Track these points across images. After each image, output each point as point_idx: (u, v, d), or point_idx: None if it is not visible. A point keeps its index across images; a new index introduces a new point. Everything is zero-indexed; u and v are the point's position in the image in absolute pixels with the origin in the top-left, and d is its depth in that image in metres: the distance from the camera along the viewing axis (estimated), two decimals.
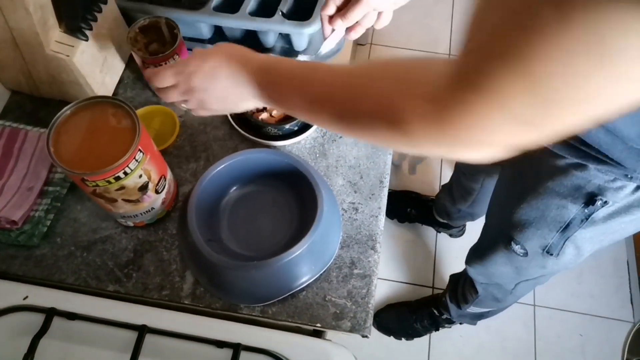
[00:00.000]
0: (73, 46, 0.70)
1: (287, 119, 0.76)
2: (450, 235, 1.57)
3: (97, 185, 0.54)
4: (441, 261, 1.58)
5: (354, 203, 0.73)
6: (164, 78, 0.58)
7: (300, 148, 0.77)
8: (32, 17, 0.63)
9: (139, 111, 0.78)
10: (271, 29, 0.82)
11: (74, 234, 0.70)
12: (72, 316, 0.63)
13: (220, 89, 0.56)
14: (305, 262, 0.64)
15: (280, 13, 0.80)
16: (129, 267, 0.68)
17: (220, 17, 0.82)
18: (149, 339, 0.62)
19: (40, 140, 0.73)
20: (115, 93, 0.81)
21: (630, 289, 1.56)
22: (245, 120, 0.75)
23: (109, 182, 0.54)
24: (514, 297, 1.04)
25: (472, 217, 1.42)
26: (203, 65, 0.56)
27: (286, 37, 0.89)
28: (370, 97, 0.43)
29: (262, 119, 0.75)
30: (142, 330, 0.62)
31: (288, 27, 0.81)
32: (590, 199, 0.64)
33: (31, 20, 0.64)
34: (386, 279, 1.55)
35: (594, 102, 0.29)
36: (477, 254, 0.96)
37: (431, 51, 1.98)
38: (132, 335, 0.62)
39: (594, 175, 0.62)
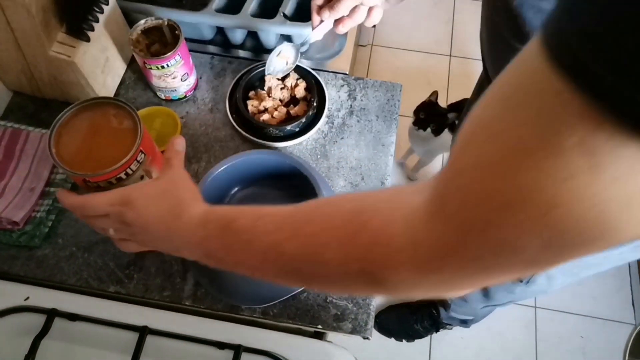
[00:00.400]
0: (75, 47, 0.70)
1: (288, 120, 0.76)
2: None
3: (98, 186, 0.54)
4: None
5: None
6: (96, 207, 0.49)
7: (302, 149, 0.77)
8: (34, 18, 0.64)
9: (141, 112, 0.78)
10: (273, 30, 0.83)
11: (76, 234, 0.70)
12: (73, 317, 0.63)
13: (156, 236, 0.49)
14: None
15: (281, 14, 0.81)
16: (130, 268, 0.68)
17: (222, 18, 0.82)
18: (150, 340, 0.62)
19: (42, 141, 0.73)
20: (116, 94, 0.81)
21: (631, 290, 1.56)
22: (247, 121, 0.76)
23: (111, 183, 0.54)
24: (482, 316, 1.04)
25: None
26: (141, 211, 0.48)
27: (287, 38, 0.89)
28: (336, 257, 0.35)
29: (263, 120, 0.75)
30: (143, 332, 0.62)
31: (289, 28, 0.81)
32: None
33: (33, 21, 0.64)
34: None
35: (617, 238, 0.24)
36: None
37: (432, 52, 1.98)
38: (133, 337, 0.62)
39: None
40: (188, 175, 0.51)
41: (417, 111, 1.40)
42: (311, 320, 0.65)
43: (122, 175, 0.54)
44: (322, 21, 0.69)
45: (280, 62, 0.76)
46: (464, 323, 1.31)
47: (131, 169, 0.54)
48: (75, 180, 0.54)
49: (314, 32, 0.71)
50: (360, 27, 1.18)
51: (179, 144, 0.54)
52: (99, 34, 0.74)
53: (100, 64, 0.76)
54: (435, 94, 1.40)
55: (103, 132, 0.56)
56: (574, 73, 0.21)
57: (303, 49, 0.77)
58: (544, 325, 1.51)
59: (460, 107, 1.37)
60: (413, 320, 1.44)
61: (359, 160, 0.77)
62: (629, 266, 1.59)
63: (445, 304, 1.16)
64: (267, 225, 0.40)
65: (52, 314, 0.63)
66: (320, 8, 0.68)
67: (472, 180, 0.26)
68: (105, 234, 0.52)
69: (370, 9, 0.68)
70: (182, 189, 0.50)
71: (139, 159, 0.55)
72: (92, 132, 0.56)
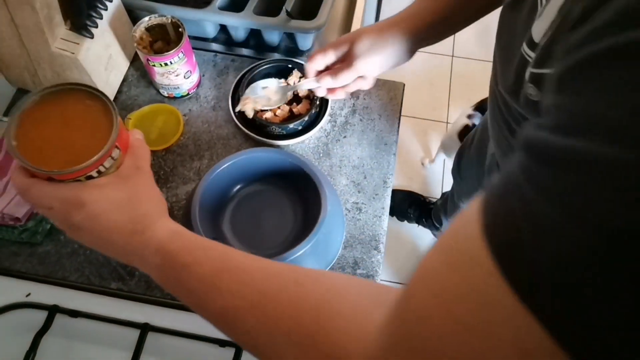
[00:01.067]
0: (78, 44, 0.70)
1: (291, 118, 0.76)
2: None
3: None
4: None
5: (357, 203, 0.73)
6: (41, 198, 0.44)
7: (304, 147, 0.77)
8: (38, 14, 0.64)
9: (143, 109, 0.78)
10: (276, 28, 0.82)
11: None
12: (74, 314, 0.63)
13: (104, 239, 0.45)
14: (308, 262, 0.64)
15: (285, 12, 0.81)
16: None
17: (225, 15, 0.82)
18: (151, 337, 0.62)
19: None
20: (119, 91, 0.81)
21: None
22: (250, 119, 0.75)
23: (80, 182, 0.45)
24: None
25: None
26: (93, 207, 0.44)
27: (291, 37, 0.89)
28: (292, 350, 0.35)
29: (266, 118, 0.75)
30: (145, 329, 0.62)
31: (293, 27, 0.81)
32: None
33: (37, 17, 0.64)
34: (386, 280, 1.55)
35: None
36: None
37: (434, 52, 1.98)
38: (135, 334, 0.62)
39: None
40: (153, 179, 0.48)
41: (462, 135, 1.35)
42: None
43: (94, 173, 0.45)
44: (318, 73, 0.68)
45: (262, 95, 0.74)
46: None
47: (104, 167, 0.46)
48: (39, 177, 0.45)
49: (305, 84, 0.70)
50: (362, 26, 1.18)
51: (140, 135, 0.49)
52: (103, 30, 0.74)
53: (104, 60, 0.76)
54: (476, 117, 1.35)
55: (73, 123, 0.47)
56: (505, 266, 0.23)
57: (288, 94, 0.75)
58: None
59: (484, 109, 1.35)
60: None
61: (362, 159, 0.77)
62: None
63: None
64: (230, 285, 0.38)
65: (53, 311, 0.63)
66: (320, 72, 0.67)
67: (415, 334, 0.27)
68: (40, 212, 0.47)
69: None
70: (147, 201, 0.45)
71: (113, 155, 0.46)
72: (60, 123, 0.47)
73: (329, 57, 0.65)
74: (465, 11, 0.62)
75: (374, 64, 0.63)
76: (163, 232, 0.43)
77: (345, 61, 0.65)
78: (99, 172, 0.46)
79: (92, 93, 0.47)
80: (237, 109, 0.73)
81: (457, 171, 1.13)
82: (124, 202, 0.44)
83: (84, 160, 0.44)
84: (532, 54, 0.37)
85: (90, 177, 0.46)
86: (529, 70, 0.37)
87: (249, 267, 0.39)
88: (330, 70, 0.66)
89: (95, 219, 0.43)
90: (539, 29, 0.36)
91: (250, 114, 0.72)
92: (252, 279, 0.38)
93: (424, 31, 0.63)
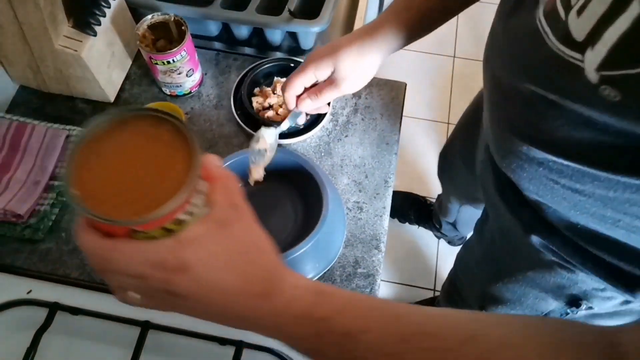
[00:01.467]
0: (81, 41, 0.70)
1: None
2: (449, 243, 1.56)
3: (148, 238, 0.33)
4: (443, 263, 1.58)
5: (358, 202, 0.73)
6: (128, 266, 0.32)
7: (306, 146, 0.77)
8: (41, 11, 0.64)
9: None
10: (278, 26, 0.82)
11: None
12: (75, 311, 0.63)
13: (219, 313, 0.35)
14: (309, 261, 0.64)
15: (287, 11, 0.81)
16: None
17: (228, 14, 0.82)
18: (151, 335, 0.62)
19: (46, 135, 0.73)
20: (121, 89, 0.81)
21: None
22: (252, 118, 0.75)
23: (168, 230, 0.33)
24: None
25: (460, 234, 1.42)
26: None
27: (293, 36, 0.89)
28: None
29: (268, 116, 0.75)
30: (145, 326, 0.62)
31: (295, 26, 0.81)
32: (574, 302, 0.58)
33: (41, 15, 0.64)
34: (387, 281, 1.55)
35: None
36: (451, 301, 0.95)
37: (436, 53, 1.98)
38: (135, 331, 0.62)
39: (582, 280, 0.55)
40: (255, 218, 0.37)
41: None
42: None
43: (183, 216, 0.33)
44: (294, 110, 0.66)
45: (260, 149, 0.67)
46: None
47: (194, 205, 0.34)
48: (116, 233, 0.33)
49: (284, 125, 0.68)
50: None
51: (219, 161, 0.38)
52: (106, 28, 0.74)
53: (107, 58, 0.76)
54: None
55: (143, 156, 0.36)
56: None
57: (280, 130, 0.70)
58: None
59: None
60: None
61: (363, 158, 0.77)
62: None
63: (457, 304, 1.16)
64: (417, 354, 0.33)
65: (54, 308, 0.63)
66: (299, 97, 0.64)
67: None
68: (116, 293, 0.36)
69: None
70: (260, 252, 0.36)
71: (200, 188, 0.35)
72: (128, 159, 0.36)
73: (309, 79, 0.62)
74: (442, 10, 0.61)
75: (359, 82, 0.63)
76: (300, 293, 0.35)
77: (327, 81, 0.63)
78: (190, 213, 0.34)
79: (159, 117, 0.36)
80: (252, 181, 0.67)
81: (442, 176, 1.13)
82: (235, 257, 0.34)
83: (167, 199, 0.32)
84: (579, 55, 0.36)
85: (180, 222, 0.34)
86: (597, 73, 0.34)
87: (438, 329, 0.34)
88: (309, 91, 0.64)
89: (203, 284, 0.33)
90: (581, 27, 0.35)
91: (261, 176, 0.67)
92: (440, 343, 0.33)
93: (403, 35, 0.62)
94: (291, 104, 0.65)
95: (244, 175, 0.71)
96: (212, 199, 0.35)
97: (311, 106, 0.64)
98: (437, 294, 1.52)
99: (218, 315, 0.35)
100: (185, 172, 0.33)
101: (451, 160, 0.98)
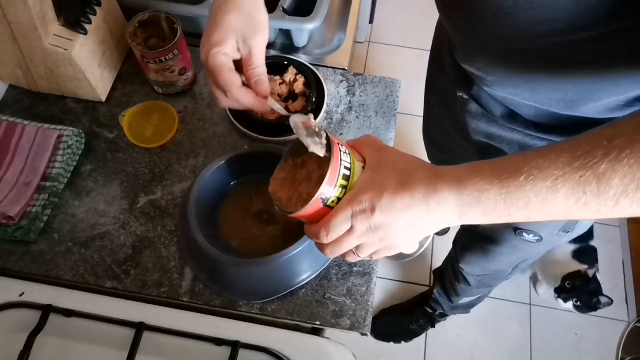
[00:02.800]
0: (72, 40, 0.69)
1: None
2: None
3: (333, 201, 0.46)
4: (438, 262, 1.58)
5: None
6: (337, 225, 0.44)
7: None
8: (30, 10, 0.63)
9: (138, 106, 0.77)
10: (272, 24, 0.82)
11: (72, 229, 0.69)
12: (68, 313, 0.63)
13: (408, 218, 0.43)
14: (306, 259, 0.64)
15: (281, 8, 0.80)
16: (127, 263, 0.67)
17: None
18: (146, 336, 0.62)
19: (37, 135, 0.72)
20: (113, 87, 0.81)
21: (625, 288, 1.57)
22: (245, 116, 0.75)
23: (341, 187, 0.45)
24: (507, 279, 1.04)
25: None
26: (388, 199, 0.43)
27: (286, 33, 0.89)
28: None
29: (261, 114, 0.75)
30: (140, 328, 0.62)
31: (289, 23, 0.81)
32: None
33: (30, 13, 0.63)
34: (382, 277, 1.55)
35: None
36: (475, 250, 0.95)
37: (429, 49, 1.97)
38: (130, 333, 0.61)
39: None
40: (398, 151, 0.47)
41: (564, 278, 1.27)
42: (309, 316, 0.65)
43: (342, 181, 0.45)
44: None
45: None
46: (471, 306, 1.30)
47: (345, 167, 0.46)
48: (320, 214, 0.46)
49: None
50: (358, 23, 1.18)
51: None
52: (96, 26, 0.73)
53: (98, 57, 0.75)
54: (594, 268, 1.25)
55: (306, 163, 0.49)
56: None
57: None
58: (538, 322, 1.52)
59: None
60: (408, 320, 1.44)
61: None
62: (623, 264, 1.60)
63: (457, 290, 1.16)
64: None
65: (47, 310, 0.62)
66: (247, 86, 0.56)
67: None
68: (351, 259, 0.47)
69: None
70: (414, 160, 0.45)
71: (342, 149, 0.46)
72: (299, 169, 0.50)
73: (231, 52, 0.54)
74: None
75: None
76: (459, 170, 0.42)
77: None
78: (346, 177, 0.45)
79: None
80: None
81: (430, 148, 1.07)
82: (395, 171, 0.44)
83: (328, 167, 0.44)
84: None
85: (347, 179, 0.46)
86: None
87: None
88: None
89: (385, 199, 0.42)
90: None
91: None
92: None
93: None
94: (249, 102, 0.56)
95: (239, 172, 0.71)
96: (363, 155, 0.47)
97: (264, 82, 0.56)
98: None
99: (412, 219, 0.43)
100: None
101: (434, 123, 0.95)
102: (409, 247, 0.49)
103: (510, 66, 0.50)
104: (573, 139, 0.38)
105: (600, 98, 0.48)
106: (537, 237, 0.75)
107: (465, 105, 0.65)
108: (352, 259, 0.48)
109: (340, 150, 0.46)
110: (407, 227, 0.44)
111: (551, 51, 0.45)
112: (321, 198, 0.45)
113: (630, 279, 1.57)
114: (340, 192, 0.46)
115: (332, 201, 0.46)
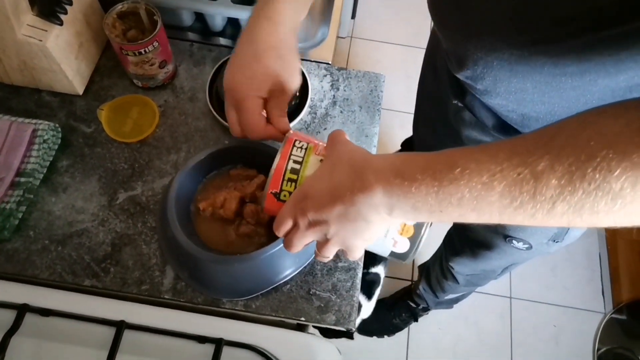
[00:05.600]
0: (47, 31, 0.66)
1: None
2: None
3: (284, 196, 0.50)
4: (422, 258, 1.59)
5: None
6: (282, 221, 0.47)
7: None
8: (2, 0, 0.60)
9: (117, 100, 0.75)
10: None
11: (48, 227, 0.67)
12: (45, 312, 0.61)
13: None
14: (288, 255, 0.63)
15: None
16: (107, 261, 0.66)
17: (202, 3, 0.80)
18: (127, 335, 0.60)
19: (10, 129, 0.69)
20: (91, 80, 0.78)
21: (601, 280, 1.61)
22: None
23: (290, 180, 0.49)
24: (496, 279, 1.05)
25: None
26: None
27: None
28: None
29: None
30: (121, 326, 0.60)
31: None
32: None
33: (2, 3, 0.61)
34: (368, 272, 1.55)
35: None
36: (466, 252, 0.95)
37: (411, 45, 1.98)
38: (110, 332, 0.60)
39: None
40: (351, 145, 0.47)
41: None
42: (294, 312, 0.64)
43: (290, 174, 0.49)
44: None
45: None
46: (456, 302, 1.32)
47: (296, 155, 0.49)
48: (276, 209, 0.49)
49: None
50: (340, 18, 1.17)
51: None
52: (73, 17, 0.70)
53: (74, 49, 0.73)
54: None
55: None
56: None
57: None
58: (518, 315, 1.54)
59: None
60: (391, 315, 1.45)
61: None
62: (599, 257, 1.64)
63: (444, 287, 1.17)
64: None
65: (23, 310, 0.60)
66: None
67: None
68: (323, 255, 0.48)
69: None
70: (354, 150, 0.45)
71: (298, 145, 0.50)
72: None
73: (258, 105, 0.56)
74: None
75: (295, 66, 0.57)
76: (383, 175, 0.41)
77: (272, 92, 0.57)
78: (294, 171, 0.49)
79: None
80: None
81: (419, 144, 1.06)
82: (331, 166, 0.45)
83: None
84: None
85: (296, 173, 0.49)
86: None
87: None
88: (272, 113, 0.58)
89: (317, 197, 0.43)
90: None
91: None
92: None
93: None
94: (271, 136, 0.57)
95: (221, 168, 0.70)
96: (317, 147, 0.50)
97: (286, 121, 0.58)
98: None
99: (343, 214, 0.42)
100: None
101: (423, 119, 0.95)
102: (386, 245, 0.49)
103: (497, 76, 0.50)
104: (518, 136, 0.37)
105: None
106: (526, 245, 0.76)
107: (460, 113, 0.65)
108: (320, 259, 0.48)
109: (293, 146, 0.49)
110: (345, 221, 0.42)
111: (535, 61, 0.45)
112: (271, 193, 0.49)
113: (607, 272, 1.61)
114: (292, 186, 0.48)
115: (284, 195, 0.49)
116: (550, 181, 0.33)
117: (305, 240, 0.46)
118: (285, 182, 0.48)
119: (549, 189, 0.34)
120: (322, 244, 0.47)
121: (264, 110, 0.57)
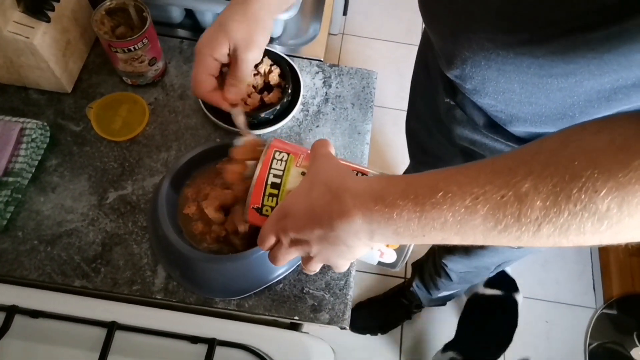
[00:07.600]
0: (33, 27, 0.65)
1: (262, 107, 0.74)
2: None
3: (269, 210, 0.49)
4: (414, 252, 1.59)
5: None
6: (265, 235, 0.46)
7: (276, 137, 0.75)
8: None
9: (106, 98, 0.74)
10: None
11: (37, 227, 0.66)
12: (35, 314, 0.60)
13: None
14: None
15: None
16: (97, 261, 0.65)
17: (191, 0, 0.79)
18: (119, 335, 0.59)
19: None
20: (79, 78, 0.77)
21: (592, 276, 1.62)
22: (219, 108, 0.73)
23: (271, 195, 0.48)
24: (489, 276, 1.06)
25: None
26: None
27: None
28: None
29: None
30: (112, 327, 0.59)
31: None
32: None
33: None
34: (359, 271, 1.55)
35: None
36: (459, 250, 0.95)
37: (402, 42, 1.98)
38: (101, 333, 0.59)
39: None
40: (333, 159, 0.46)
41: None
42: (288, 311, 0.64)
43: (270, 189, 0.48)
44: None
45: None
46: (449, 299, 1.32)
47: (276, 169, 0.48)
48: (258, 223, 0.49)
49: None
50: (332, 15, 1.17)
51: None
52: (60, 14, 0.69)
53: (62, 46, 0.71)
54: None
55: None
56: None
57: None
58: None
59: None
60: (384, 313, 1.45)
61: (335, 148, 0.75)
62: (590, 252, 1.65)
63: (438, 285, 1.17)
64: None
65: (12, 311, 0.59)
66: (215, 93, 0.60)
67: None
68: (308, 270, 0.47)
69: None
70: (334, 169, 0.44)
71: (277, 157, 0.49)
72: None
73: (211, 67, 0.58)
74: None
75: (260, 40, 0.58)
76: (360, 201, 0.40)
77: (232, 59, 0.58)
78: (276, 175, 0.48)
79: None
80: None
81: (411, 144, 1.06)
82: (310, 180, 0.44)
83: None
84: None
85: (276, 187, 0.48)
86: None
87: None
88: (226, 81, 0.60)
89: (297, 210, 0.43)
90: None
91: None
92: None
93: None
94: (215, 102, 0.61)
95: (212, 157, 0.69)
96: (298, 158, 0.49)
97: (237, 92, 0.60)
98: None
99: (323, 236, 0.41)
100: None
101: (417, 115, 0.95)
102: (373, 256, 0.49)
103: (485, 76, 0.50)
104: (498, 156, 0.36)
105: (574, 116, 0.47)
106: None
107: (451, 111, 0.65)
108: (307, 272, 0.48)
109: (273, 158, 0.48)
110: (326, 244, 0.42)
111: (521, 62, 0.45)
112: (253, 208, 0.48)
113: (597, 267, 1.62)
114: (273, 202, 0.48)
115: (267, 210, 0.48)
116: (535, 203, 0.33)
117: (289, 256, 0.46)
118: (266, 197, 0.48)
119: (534, 211, 0.33)
120: (306, 259, 0.46)
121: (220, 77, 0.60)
